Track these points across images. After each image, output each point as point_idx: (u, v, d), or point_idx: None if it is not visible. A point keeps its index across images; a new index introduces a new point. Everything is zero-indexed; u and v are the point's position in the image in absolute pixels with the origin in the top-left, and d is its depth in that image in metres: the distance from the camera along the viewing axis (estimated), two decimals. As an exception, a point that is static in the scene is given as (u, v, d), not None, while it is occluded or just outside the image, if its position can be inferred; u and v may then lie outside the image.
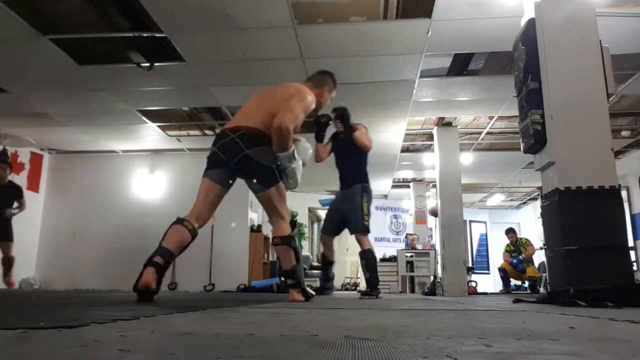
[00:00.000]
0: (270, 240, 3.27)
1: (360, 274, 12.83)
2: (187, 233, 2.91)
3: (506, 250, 9.20)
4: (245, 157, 3.03)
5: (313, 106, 3.35)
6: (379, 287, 4.76)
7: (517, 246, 9.09)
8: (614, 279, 2.99)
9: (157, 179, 8.61)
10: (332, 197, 12.78)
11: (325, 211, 13.92)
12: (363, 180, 4.80)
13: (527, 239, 9.29)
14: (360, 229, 4.68)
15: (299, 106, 3.18)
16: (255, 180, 3.10)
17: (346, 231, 5.15)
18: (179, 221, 2.94)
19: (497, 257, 13.62)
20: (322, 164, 5.11)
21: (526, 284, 9.28)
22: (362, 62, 5.38)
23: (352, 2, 4.31)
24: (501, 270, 8.99)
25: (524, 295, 5.43)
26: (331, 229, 5.05)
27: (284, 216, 3.19)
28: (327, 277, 5.08)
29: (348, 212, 4.81)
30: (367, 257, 4.69)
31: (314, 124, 4.51)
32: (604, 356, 0.88)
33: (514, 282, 9.40)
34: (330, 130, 4.78)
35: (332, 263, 5.14)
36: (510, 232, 9.29)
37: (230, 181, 3.18)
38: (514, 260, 8.94)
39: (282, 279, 3.41)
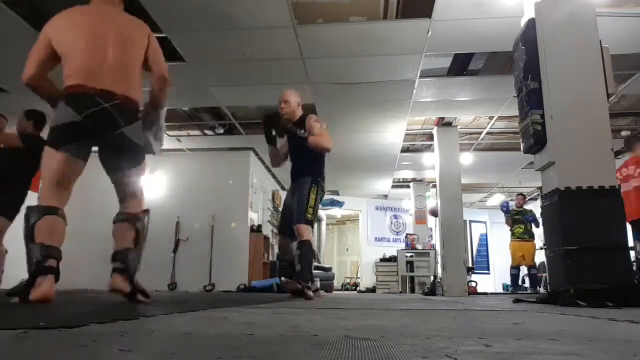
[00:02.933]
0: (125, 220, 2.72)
1: (359, 274, 12.93)
2: (62, 222, 2.45)
3: (511, 216, 8.59)
4: (120, 136, 2.54)
5: None
6: (314, 284, 4.28)
7: (520, 212, 8.62)
8: (614, 279, 2.99)
9: (157, 179, 8.61)
10: (332, 197, 12.90)
11: (325, 211, 13.99)
12: (316, 173, 4.27)
13: (531, 210, 8.87)
14: (302, 221, 4.13)
15: (160, 52, 2.84)
16: (126, 160, 2.66)
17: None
18: (53, 211, 2.40)
19: (497, 257, 13.63)
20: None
21: (529, 273, 8.92)
22: (362, 62, 5.38)
23: (352, 2, 4.31)
24: (513, 268, 8.69)
25: (525, 295, 5.44)
26: (287, 229, 4.34)
27: (142, 194, 2.78)
28: (304, 278, 4.15)
29: (293, 203, 4.27)
30: (304, 249, 4.09)
31: (263, 124, 4.32)
32: (604, 356, 0.88)
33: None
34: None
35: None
36: (519, 195, 8.86)
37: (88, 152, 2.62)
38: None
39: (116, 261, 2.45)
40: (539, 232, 8.39)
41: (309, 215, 4.15)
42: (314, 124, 4.19)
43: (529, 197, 13.12)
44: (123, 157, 2.65)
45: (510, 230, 8.56)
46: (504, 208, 8.42)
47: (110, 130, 2.54)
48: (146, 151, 2.79)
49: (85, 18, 2.71)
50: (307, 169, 4.27)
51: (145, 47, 2.79)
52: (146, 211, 2.77)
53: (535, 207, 8.86)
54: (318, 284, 9.31)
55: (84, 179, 2.71)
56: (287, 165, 4.48)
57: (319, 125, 4.21)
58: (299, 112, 4.37)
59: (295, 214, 4.19)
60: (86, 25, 2.66)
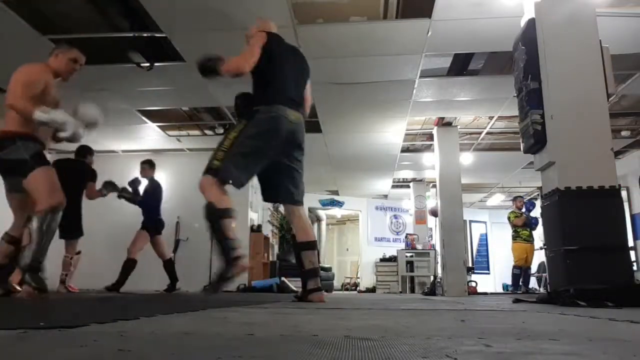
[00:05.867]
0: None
1: (359, 274, 12.93)
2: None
3: (516, 216, 8.75)
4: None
5: (35, 77, 3.38)
6: (235, 262, 2.91)
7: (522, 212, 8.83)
8: (614, 279, 2.99)
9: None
10: (332, 197, 12.89)
11: (325, 211, 13.97)
12: (254, 102, 3.15)
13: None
14: (204, 172, 2.97)
15: (15, 89, 3.26)
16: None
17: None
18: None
19: (497, 257, 13.63)
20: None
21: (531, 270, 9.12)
22: (362, 62, 5.38)
23: (352, 2, 4.31)
24: (516, 268, 8.79)
25: (524, 295, 5.44)
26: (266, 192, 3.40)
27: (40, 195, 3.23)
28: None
29: None
30: (207, 214, 2.91)
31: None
32: (603, 356, 0.88)
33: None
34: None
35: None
36: (517, 198, 9.09)
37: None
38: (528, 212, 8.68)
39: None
40: (538, 233, 8.44)
41: (216, 162, 2.94)
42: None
43: (529, 197, 13.12)
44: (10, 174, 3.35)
45: (515, 230, 8.65)
46: (532, 207, 8.65)
47: None
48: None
49: None
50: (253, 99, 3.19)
51: None
52: (42, 211, 3.18)
53: (535, 207, 8.86)
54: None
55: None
56: None
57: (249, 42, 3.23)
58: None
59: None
60: None
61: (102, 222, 8.06)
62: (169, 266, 6.24)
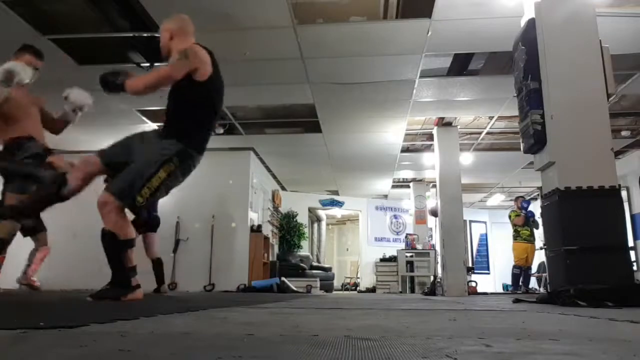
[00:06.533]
0: None
1: (359, 274, 12.94)
2: None
3: (516, 215, 8.80)
4: None
5: None
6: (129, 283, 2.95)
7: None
8: (614, 279, 2.99)
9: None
10: (332, 197, 12.89)
11: (325, 211, 13.97)
12: (181, 137, 2.92)
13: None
14: (121, 196, 2.84)
15: None
16: None
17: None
18: None
19: (497, 257, 13.63)
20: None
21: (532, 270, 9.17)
22: (362, 62, 5.38)
23: (352, 2, 4.31)
24: (516, 267, 8.82)
25: (524, 295, 5.43)
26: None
27: None
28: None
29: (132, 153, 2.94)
30: (107, 244, 2.86)
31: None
32: (603, 356, 0.88)
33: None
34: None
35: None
36: (519, 197, 9.18)
37: None
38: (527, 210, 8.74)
39: None
40: (538, 233, 8.44)
41: (139, 199, 2.82)
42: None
43: (529, 197, 13.12)
44: None
45: (515, 230, 8.68)
46: (527, 204, 8.72)
47: None
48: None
49: None
50: (170, 128, 2.96)
51: None
52: None
53: (535, 207, 8.87)
54: (318, 284, 9.35)
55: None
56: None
57: (176, 57, 2.92)
58: (178, 45, 3.03)
59: (120, 175, 2.82)
60: None
61: (99, 222, 8.06)
62: (157, 266, 5.90)
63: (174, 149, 2.84)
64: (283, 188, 11.49)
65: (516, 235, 8.69)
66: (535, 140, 3.47)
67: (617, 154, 8.41)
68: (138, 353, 0.86)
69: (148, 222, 5.95)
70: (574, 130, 3.33)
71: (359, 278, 12.89)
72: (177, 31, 3.09)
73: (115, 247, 2.84)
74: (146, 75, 3.02)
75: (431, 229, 10.83)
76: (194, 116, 2.96)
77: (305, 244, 11.83)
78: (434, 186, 9.13)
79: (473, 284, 7.61)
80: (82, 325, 1.23)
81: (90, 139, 8.03)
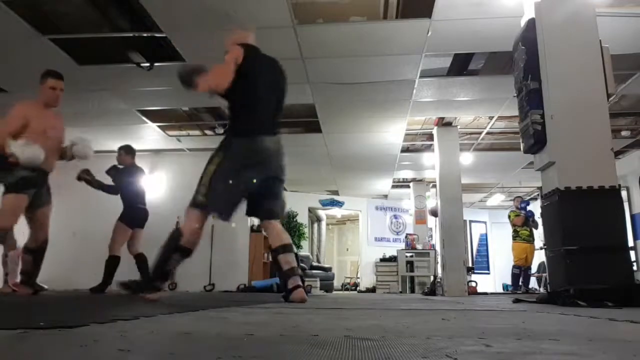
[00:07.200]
0: None
1: (359, 274, 12.93)
2: None
3: (516, 215, 8.83)
4: None
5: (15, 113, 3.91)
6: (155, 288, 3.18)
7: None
8: (614, 279, 2.99)
9: (157, 179, 8.60)
10: (332, 197, 12.89)
11: (325, 211, 13.97)
12: (229, 131, 3.21)
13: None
14: (190, 204, 3.11)
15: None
16: None
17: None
18: None
19: (497, 257, 13.62)
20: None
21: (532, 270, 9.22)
22: (362, 62, 5.38)
23: (352, 2, 4.31)
24: (516, 267, 8.83)
25: (524, 295, 5.43)
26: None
27: None
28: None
29: None
30: (169, 238, 3.12)
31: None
32: (603, 356, 0.88)
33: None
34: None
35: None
36: (517, 197, 9.23)
37: None
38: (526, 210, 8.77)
39: None
40: (538, 233, 8.45)
41: (199, 197, 3.04)
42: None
43: (529, 197, 13.12)
44: None
45: (515, 230, 8.68)
46: (525, 204, 8.78)
47: None
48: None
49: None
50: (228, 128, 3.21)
51: None
52: None
53: (535, 207, 8.88)
54: (318, 284, 9.34)
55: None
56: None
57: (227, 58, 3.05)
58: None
59: None
60: None
61: (103, 223, 8.06)
62: (142, 262, 5.59)
63: (220, 144, 3.06)
64: (284, 189, 11.46)
65: (515, 235, 8.72)
66: (535, 140, 3.47)
67: (617, 154, 8.41)
68: (138, 353, 0.86)
69: (135, 216, 5.73)
70: (574, 130, 3.33)
71: (359, 278, 12.89)
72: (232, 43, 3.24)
73: (173, 244, 3.04)
74: (214, 72, 3.11)
75: (431, 229, 10.83)
76: (232, 108, 3.14)
77: (305, 244, 11.83)
78: (434, 186, 9.13)
79: (473, 284, 7.62)
80: (82, 325, 1.23)
81: (91, 139, 8.02)
